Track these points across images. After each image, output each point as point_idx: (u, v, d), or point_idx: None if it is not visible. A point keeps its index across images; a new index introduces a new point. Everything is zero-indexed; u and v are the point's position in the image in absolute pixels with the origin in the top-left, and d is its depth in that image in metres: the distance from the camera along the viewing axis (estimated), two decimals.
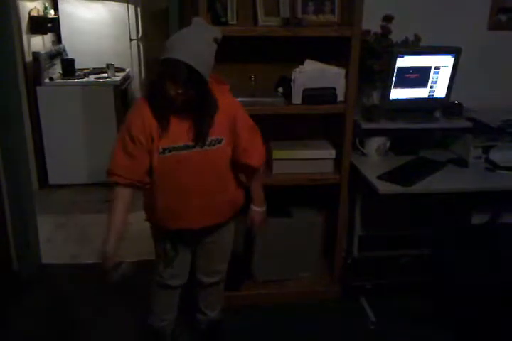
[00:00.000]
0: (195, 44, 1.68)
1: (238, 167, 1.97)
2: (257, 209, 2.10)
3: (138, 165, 1.80)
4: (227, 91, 1.91)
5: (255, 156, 1.97)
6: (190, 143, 1.80)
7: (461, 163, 2.62)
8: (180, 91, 1.67)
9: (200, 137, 1.79)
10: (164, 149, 1.78)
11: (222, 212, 1.99)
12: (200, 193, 1.88)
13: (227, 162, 1.91)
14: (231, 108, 1.88)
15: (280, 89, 2.51)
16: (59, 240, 3.42)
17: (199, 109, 1.77)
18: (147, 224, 2.05)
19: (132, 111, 1.84)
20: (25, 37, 3.99)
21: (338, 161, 2.53)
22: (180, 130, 1.79)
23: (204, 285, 2.19)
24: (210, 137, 1.82)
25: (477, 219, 2.99)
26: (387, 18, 2.54)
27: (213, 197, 1.91)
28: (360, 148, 2.68)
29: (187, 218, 1.92)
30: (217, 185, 1.91)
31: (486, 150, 2.64)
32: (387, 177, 2.41)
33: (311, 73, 2.38)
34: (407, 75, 2.52)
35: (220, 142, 1.84)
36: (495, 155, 2.62)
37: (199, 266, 2.15)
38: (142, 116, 1.77)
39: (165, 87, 1.68)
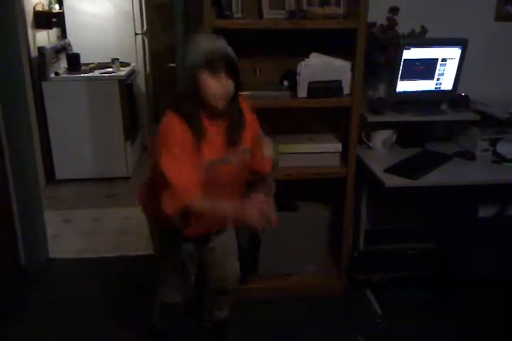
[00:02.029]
0: (217, 39, 1.72)
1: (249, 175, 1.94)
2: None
3: (197, 173, 1.68)
4: (249, 107, 1.90)
5: (265, 164, 1.97)
6: (228, 158, 1.76)
7: (468, 155, 2.60)
8: (225, 83, 1.66)
9: (238, 138, 1.77)
10: (212, 160, 1.71)
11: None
12: (228, 198, 1.75)
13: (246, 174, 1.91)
14: (254, 122, 1.90)
15: (286, 83, 2.50)
16: (66, 235, 3.43)
17: (234, 105, 1.76)
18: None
19: (168, 124, 1.70)
20: (30, 32, 3.99)
21: (344, 155, 2.52)
22: (215, 142, 1.74)
23: (219, 293, 2.18)
24: (243, 146, 1.80)
25: (484, 211, 2.98)
26: (393, 10, 2.53)
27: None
28: (366, 141, 2.67)
29: (215, 222, 1.90)
30: (239, 191, 1.87)
31: (493, 142, 2.62)
32: (394, 170, 2.39)
33: (317, 66, 2.36)
34: (414, 67, 2.50)
35: (248, 151, 1.84)
36: (502, 148, 2.60)
37: (210, 277, 2.13)
38: (181, 127, 1.67)
39: (207, 84, 1.66)
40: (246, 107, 1.86)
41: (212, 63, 1.66)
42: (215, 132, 1.73)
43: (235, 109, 1.77)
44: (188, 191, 1.63)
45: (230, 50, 1.69)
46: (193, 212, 1.72)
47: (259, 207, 1.61)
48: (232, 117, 1.77)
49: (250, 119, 1.87)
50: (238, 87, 1.73)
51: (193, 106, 1.69)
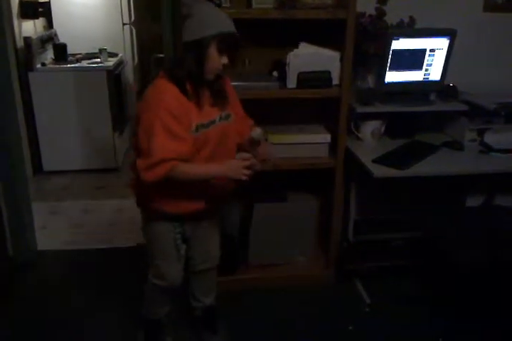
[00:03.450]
0: (226, 15, 1.77)
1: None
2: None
3: (187, 147, 1.72)
4: (229, 82, 1.99)
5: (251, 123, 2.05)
6: (213, 118, 1.82)
7: (456, 146, 2.62)
8: (226, 62, 1.76)
9: (221, 101, 1.84)
10: (197, 127, 1.75)
11: (226, 189, 1.96)
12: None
13: (235, 138, 1.93)
14: (228, 82, 1.97)
15: (275, 73, 2.49)
16: (54, 226, 3.41)
17: (221, 77, 1.84)
18: (137, 211, 2.03)
19: (158, 91, 1.74)
20: (16, 22, 3.93)
21: (333, 145, 2.52)
22: (205, 104, 1.80)
23: (199, 272, 2.20)
24: (225, 111, 1.86)
25: (471, 201, 3.01)
26: (382, 0, 2.52)
27: None
28: (355, 131, 2.67)
29: (204, 198, 1.90)
30: (230, 155, 1.88)
31: (481, 133, 2.64)
32: (382, 160, 2.40)
33: (306, 57, 2.36)
34: (402, 58, 2.50)
35: (230, 116, 1.90)
36: (489, 138, 2.62)
37: (194, 253, 2.15)
38: (177, 97, 1.71)
39: (213, 61, 1.73)
40: (227, 81, 1.93)
41: (224, 43, 1.72)
42: (202, 96, 1.79)
43: (220, 78, 1.85)
44: (164, 161, 1.67)
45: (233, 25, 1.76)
46: (176, 180, 1.75)
47: (242, 163, 1.72)
48: (216, 83, 1.83)
49: (229, 87, 1.95)
50: (232, 64, 1.82)
51: (193, 74, 1.74)
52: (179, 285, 2.09)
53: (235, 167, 1.74)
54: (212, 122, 1.81)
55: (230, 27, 1.73)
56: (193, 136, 1.74)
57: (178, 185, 1.80)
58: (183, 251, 2.02)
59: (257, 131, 1.81)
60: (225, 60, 1.76)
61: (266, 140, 1.97)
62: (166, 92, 1.71)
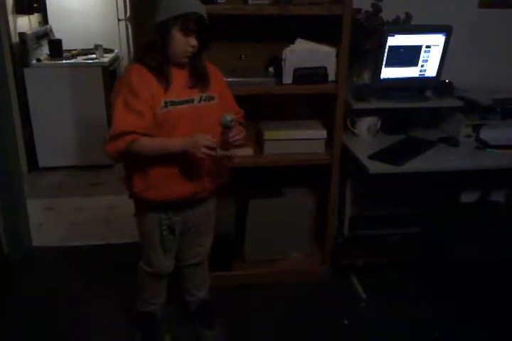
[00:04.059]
0: None
1: None
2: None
3: (146, 121, 1.76)
4: (217, 70, 2.01)
5: (241, 115, 2.07)
6: (190, 97, 1.84)
7: (452, 142, 2.63)
8: (195, 43, 1.77)
9: (202, 83, 1.86)
10: (166, 103, 1.78)
11: (213, 176, 1.96)
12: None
13: (218, 121, 1.91)
14: (216, 71, 1.99)
15: (271, 69, 2.49)
16: (49, 223, 3.41)
17: (197, 59, 1.86)
18: (132, 208, 2.04)
19: (126, 73, 1.84)
20: (10, 17, 3.91)
21: (329, 141, 2.53)
22: (180, 84, 1.83)
23: (190, 266, 2.21)
24: (206, 93, 1.88)
25: (466, 197, 3.02)
26: None
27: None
28: (351, 128, 2.68)
29: (189, 181, 1.90)
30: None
31: (477, 129, 2.65)
32: (378, 156, 2.41)
33: (302, 52, 2.35)
34: (398, 54, 2.50)
35: (213, 99, 1.91)
36: (485, 134, 2.63)
37: (185, 247, 2.16)
38: (141, 74, 1.78)
39: (177, 43, 1.76)
40: (212, 67, 1.96)
41: (187, 24, 1.74)
42: (177, 75, 1.82)
43: (198, 61, 1.87)
44: (121, 134, 1.74)
45: (201, 6, 1.77)
46: (139, 153, 1.80)
47: (204, 141, 1.73)
48: (194, 65, 1.86)
49: (217, 74, 1.98)
50: (205, 45, 1.83)
51: (158, 56, 1.78)
52: (167, 274, 2.14)
53: (196, 143, 1.74)
54: (189, 101, 1.84)
55: (192, 8, 1.73)
56: (160, 111, 1.78)
57: (157, 170, 1.85)
58: (169, 243, 2.02)
59: (226, 117, 1.82)
60: (192, 41, 1.77)
61: (242, 125, 1.98)
62: (132, 71, 1.80)
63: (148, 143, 1.79)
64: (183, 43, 1.77)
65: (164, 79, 1.79)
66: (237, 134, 1.85)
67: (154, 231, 1.99)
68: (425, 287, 2.68)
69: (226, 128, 1.84)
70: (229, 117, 1.81)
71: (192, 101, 1.85)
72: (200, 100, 1.87)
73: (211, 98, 1.90)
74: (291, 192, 2.73)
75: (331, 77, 2.40)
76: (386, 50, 2.46)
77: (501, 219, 2.48)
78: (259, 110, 2.45)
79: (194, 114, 1.85)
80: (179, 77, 1.84)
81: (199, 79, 1.87)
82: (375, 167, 2.33)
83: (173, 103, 1.80)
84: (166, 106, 1.79)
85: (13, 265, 2.89)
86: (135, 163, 1.87)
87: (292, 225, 2.71)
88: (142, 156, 1.82)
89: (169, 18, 1.73)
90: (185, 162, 1.85)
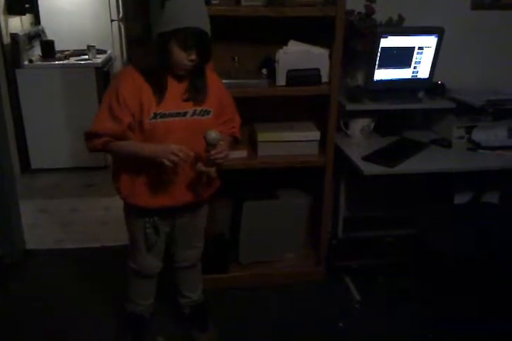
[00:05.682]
0: (201, 7, 1.74)
1: None
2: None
3: (121, 129, 1.78)
4: (211, 69, 1.98)
5: (237, 129, 2.06)
6: (183, 111, 1.82)
7: (444, 143, 2.64)
8: (193, 58, 1.74)
9: (197, 97, 1.84)
10: (156, 114, 1.77)
11: (198, 189, 1.96)
12: (186, 164, 1.84)
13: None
14: (218, 83, 1.97)
15: (264, 71, 2.49)
16: (43, 225, 3.39)
17: (196, 74, 1.84)
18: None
19: (121, 75, 1.84)
20: (2, 18, 3.89)
21: (322, 143, 2.53)
22: (174, 97, 1.81)
23: (182, 268, 2.21)
24: (202, 107, 1.85)
25: (459, 198, 3.03)
26: None
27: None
28: (344, 129, 2.68)
29: (172, 192, 1.90)
30: (202, 156, 1.88)
31: (469, 130, 2.66)
32: (371, 158, 2.42)
33: (295, 54, 2.36)
34: (391, 56, 2.51)
35: (208, 113, 1.88)
36: (477, 135, 2.64)
37: (176, 250, 2.16)
38: (133, 80, 1.78)
39: (175, 56, 1.73)
40: (210, 73, 1.93)
41: (186, 39, 1.71)
42: (174, 86, 1.82)
43: (199, 79, 1.85)
44: (94, 135, 1.79)
45: (204, 19, 1.72)
46: (115, 154, 1.89)
47: (174, 149, 1.72)
48: (193, 78, 1.84)
49: (217, 84, 1.95)
50: (207, 60, 1.81)
51: (157, 64, 1.77)
52: (153, 275, 2.15)
53: (165, 150, 1.73)
54: (180, 114, 1.82)
55: (193, 23, 1.69)
56: (148, 121, 1.77)
57: (142, 178, 1.86)
58: (153, 241, 2.01)
59: (210, 134, 1.78)
60: (191, 56, 1.74)
61: (236, 140, 2.03)
62: (126, 77, 1.80)
63: (121, 145, 1.82)
64: (181, 58, 1.74)
65: (159, 90, 1.78)
66: (219, 153, 1.81)
67: (139, 229, 1.99)
68: (419, 289, 2.68)
69: (209, 145, 1.80)
70: (214, 134, 1.77)
71: (184, 114, 1.83)
72: (193, 114, 1.85)
73: (206, 112, 1.87)
74: (286, 194, 2.74)
75: (324, 78, 2.41)
76: (379, 52, 2.46)
77: (494, 220, 2.49)
78: (253, 112, 2.44)
79: (184, 128, 1.83)
80: (175, 88, 1.82)
81: (196, 94, 1.85)
82: (369, 168, 2.34)
83: (163, 115, 1.79)
84: (154, 117, 1.78)
85: (6, 268, 2.87)
86: (123, 168, 1.89)
87: (287, 227, 2.71)
88: (126, 159, 1.86)
89: (168, 32, 1.69)
90: (168, 174, 1.85)
